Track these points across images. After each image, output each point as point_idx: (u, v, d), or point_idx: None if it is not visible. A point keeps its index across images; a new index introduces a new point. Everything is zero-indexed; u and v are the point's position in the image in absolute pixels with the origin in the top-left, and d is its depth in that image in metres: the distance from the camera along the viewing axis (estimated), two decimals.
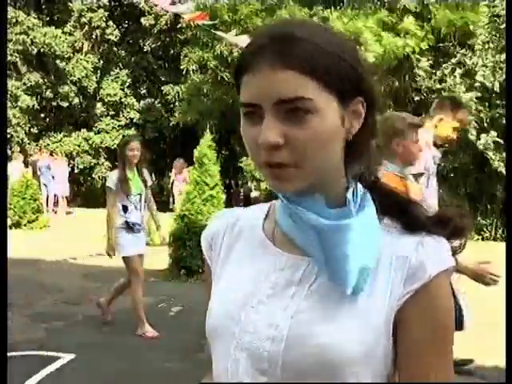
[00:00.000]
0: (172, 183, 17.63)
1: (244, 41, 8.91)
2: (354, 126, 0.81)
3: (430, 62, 12.87)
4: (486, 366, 4.17)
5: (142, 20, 20.31)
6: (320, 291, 0.80)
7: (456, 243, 0.85)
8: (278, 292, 0.83)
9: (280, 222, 0.87)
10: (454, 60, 12.61)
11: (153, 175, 27.91)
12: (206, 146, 7.27)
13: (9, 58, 18.38)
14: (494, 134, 11.40)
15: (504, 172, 11.29)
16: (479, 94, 11.75)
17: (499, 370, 3.93)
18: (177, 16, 14.25)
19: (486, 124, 11.65)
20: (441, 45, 13.02)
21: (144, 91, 22.19)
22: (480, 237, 12.18)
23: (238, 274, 0.89)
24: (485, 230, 12.40)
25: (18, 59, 19.32)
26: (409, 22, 12.47)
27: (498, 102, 11.70)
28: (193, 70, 15.44)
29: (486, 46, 11.89)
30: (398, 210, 0.85)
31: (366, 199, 0.84)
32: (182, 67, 16.02)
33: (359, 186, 0.85)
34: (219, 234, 0.95)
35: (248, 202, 19.04)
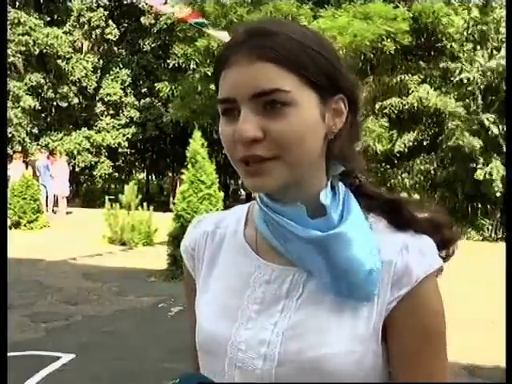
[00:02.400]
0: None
1: (226, 36, 8.93)
2: (335, 123, 0.79)
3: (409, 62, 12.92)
4: (486, 366, 4.17)
5: (142, 19, 20.35)
6: (307, 303, 0.79)
7: (446, 251, 0.83)
8: (266, 307, 0.81)
9: (260, 228, 0.85)
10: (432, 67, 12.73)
11: (153, 175, 27.66)
12: (197, 145, 7.20)
13: (11, 58, 18.37)
14: (480, 142, 11.46)
15: (487, 178, 11.39)
16: (465, 102, 11.82)
17: (499, 370, 3.94)
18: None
19: (474, 128, 11.69)
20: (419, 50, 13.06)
21: (144, 90, 22.22)
22: (480, 237, 12.19)
23: (224, 287, 0.87)
24: (485, 230, 12.41)
25: (20, 60, 19.31)
26: (380, 5, 12.38)
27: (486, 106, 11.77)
28: (185, 67, 15.41)
29: (471, 51, 11.94)
30: (383, 210, 0.83)
31: (350, 199, 0.81)
32: (168, 61, 16.02)
33: (341, 185, 0.82)
34: (200, 244, 0.92)
35: (250, 201, 19.05)
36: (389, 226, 0.82)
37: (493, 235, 12.26)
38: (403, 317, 0.77)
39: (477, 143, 11.38)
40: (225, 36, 9.01)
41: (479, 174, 11.75)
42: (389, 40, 12.20)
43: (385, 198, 0.85)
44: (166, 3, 9.61)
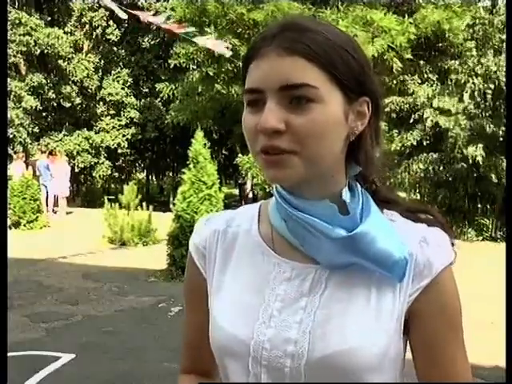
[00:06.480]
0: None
1: (215, 44, 8.97)
2: (357, 125, 0.80)
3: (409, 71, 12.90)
4: (485, 366, 4.17)
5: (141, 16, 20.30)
6: (331, 300, 0.80)
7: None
8: (289, 304, 0.81)
9: (277, 225, 0.85)
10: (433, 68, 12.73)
11: (153, 175, 27.53)
12: (199, 145, 7.18)
13: (12, 59, 18.36)
14: (480, 145, 11.43)
15: (495, 178, 11.36)
16: (467, 105, 11.78)
17: (499, 369, 3.93)
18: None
19: (475, 133, 11.66)
20: (421, 52, 13.03)
21: (145, 90, 22.21)
22: (480, 237, 12.17)
23: (241, 287, 0.86)
24: (485, 230, 12.39)
25: (21, 60, 19.29)
26: (383, 17, 12.28)
27: (488, 110, 11.73)
28: (186, 67, 15.38)
29: (474, 53, 11.92)
30: (397, 208, 0.86)
31: (368, 198, 0.83)
32: (169, 61, 15.95)
33: (358, 185, 0.84)
34: (212, 243, 0.91)
35: (256, 201, 19.04)
36: (403, 220, 0.84)
37: (493, 235, 12.24)
38: (426, 307, 0.79)
39: (478, 152, 11.34)
40: (207, 43, 9.04)
41: (480, 175, 11.73)
42: (391, 53, 12.18)
43: (403, 206, 0.87)
44: (155, 14, 9.72)
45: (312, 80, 0.74)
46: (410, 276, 0.78)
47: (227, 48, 8.70)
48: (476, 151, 11.30)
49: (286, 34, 0.75)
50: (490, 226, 12.45)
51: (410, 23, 12.40)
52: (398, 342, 0.79)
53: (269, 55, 0.75)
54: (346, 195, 0.80)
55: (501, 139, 11.26)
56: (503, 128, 11.09)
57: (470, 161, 11.43)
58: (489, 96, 11.62)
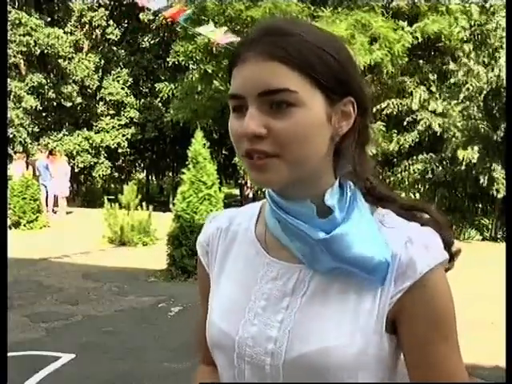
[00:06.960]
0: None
1: (223, 36, 8.82)
2: (342, 126, 0.80)
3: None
4: (485, 366, 4.17)
5: (141, 15, 20.31)
6: (312, 300, 0.81)
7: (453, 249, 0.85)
8: (272, 304, 0.84)
9: (269, 225, 0.87)
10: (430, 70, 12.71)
11: (153, 175, 27.53)
12: (199, 145, 7.17)
13: (12, 59, 18.35)
14: (476, 147, 11.42)
15: (487, 186, 11.36)
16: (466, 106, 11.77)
17: (499, 369, 3.94)
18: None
19: (471, 135, 11.65)
20: (419, 52, 13.01)
21: (145, 90, 22.22)
22: (480, 237, 12.17)
23: (234, 283, 0.89)
24: (485, 230, 12.40)
25: (21, 60, 19.29)
26: (382, 24, 12.21)
27: (484, 112, 11.72)
28: (185, 65, 15.34)
29: (472, 55, 11.90)
30: (397, 212, 0.85)
31: (356, 198, 0.82)
32: (168, 60, 15.90)
33: (349, 184, 0.83)
34: (214, 240, 0.95)
35: (255, 200, 19.03)
36: (395, 219, 0.83)
37: (493, 235, 12.24)
38: (409, 308, 0.78)
39: (475, 154, 11.34)
40: (212, 34, 8.87)
41: (479, 176, 11.73)
42: (388, 56, 12.13)
43: (399, 204, 0.86)
44: (155, 13, 9.59)
45: (291, 84, 0.74)
46: (393, 277, 0.78)
47: (232, 41, 8.56)
48: (472, 153, 11.31)
49: (264, 39, 0.76)
50: (490, 226, 12.45)
51: (410, 33, 12.36)
52: (379, 343, 0.79)
53: (249, 61, 0.76)
54: (329, 197, 0.80)
55: (499, 140, 11.24)
56: (500, 129, 11.09)
57: (464, 162, 11.43)
58: (484, 97, 11.61)
